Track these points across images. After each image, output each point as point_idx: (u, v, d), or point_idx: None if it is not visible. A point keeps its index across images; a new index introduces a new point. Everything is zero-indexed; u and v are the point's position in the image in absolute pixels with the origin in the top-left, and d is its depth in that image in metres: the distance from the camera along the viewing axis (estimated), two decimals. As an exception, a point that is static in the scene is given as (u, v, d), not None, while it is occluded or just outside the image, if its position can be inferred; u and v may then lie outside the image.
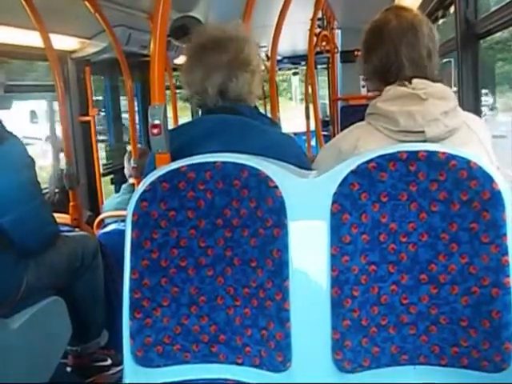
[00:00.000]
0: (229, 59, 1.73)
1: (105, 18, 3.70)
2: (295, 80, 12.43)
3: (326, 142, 2.08)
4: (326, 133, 6.30)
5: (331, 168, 1.41)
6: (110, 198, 4.51)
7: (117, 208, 3.85)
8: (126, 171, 4.38)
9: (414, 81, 1.62)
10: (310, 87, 5.59)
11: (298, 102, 13.02)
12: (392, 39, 1.67)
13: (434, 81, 1.65)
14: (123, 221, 3.16)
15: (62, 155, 4.03)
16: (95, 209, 4.42)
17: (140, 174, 3.98)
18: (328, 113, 8.54)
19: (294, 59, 9.19)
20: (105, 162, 5.40)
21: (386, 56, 1.68)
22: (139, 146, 4.55)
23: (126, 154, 4.43)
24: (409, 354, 1.38)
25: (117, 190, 5.06)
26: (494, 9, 2.65)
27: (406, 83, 1.62)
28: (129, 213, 1.46)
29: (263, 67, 1.92)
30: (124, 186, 4.31)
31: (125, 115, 5.47)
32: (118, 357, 2.93)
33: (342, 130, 1.87)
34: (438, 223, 1.34)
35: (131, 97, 4.29)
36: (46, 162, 5.43)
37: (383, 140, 1.58)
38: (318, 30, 5.55)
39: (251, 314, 1.43)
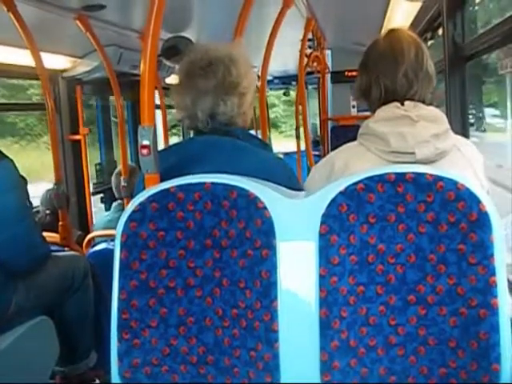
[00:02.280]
0: (215, 84, 1.74)
1: (96, 37, 3.72)
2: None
3: (317, 162, 2.09)
4: (316, 153, 6.33)
5: (322, 188, 1.42)
6: (99, 216, 4.50)
7: (107, 227, 3.84)
8: (115, 189, 4.36)
9: (406, 103, 1.64)
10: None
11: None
12: (371, 66, 1.71)
13: (426, 103, 1.67)
14: (113, 240, 3.16)
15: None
16: (85, 228, 4.40)
17: (130, 192, 3.98)
18: (318, 133, 8.59)
19: (285, 79, 9.23)
20: (95, 181, 5.39)
21: (367, 82, 1.71)
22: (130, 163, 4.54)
23: (115, 172, 4.42)
24: (397, 375, 1.38)
25: (107, 209, 5.05)
26: (481, 31, 2.69)
27: (399, 105, 1.64)
28: (118, 233, 1.46)
29: (256, 84, 1.91)
30: (114, 204, 4.30)
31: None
32: (107, 378, 2.90)
33: (332, 150, 1.88)
34: (425, 244, 1.35)
35: (122, 116, 4.30)
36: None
37: (374, 160, 1.59)
38: (308, 51, 5.58)
39: (239, 335, 1.42)
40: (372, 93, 1.72)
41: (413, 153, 1.54)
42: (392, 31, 1.77)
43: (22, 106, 4.62)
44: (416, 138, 1.55)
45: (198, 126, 1.77)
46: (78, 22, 3.52)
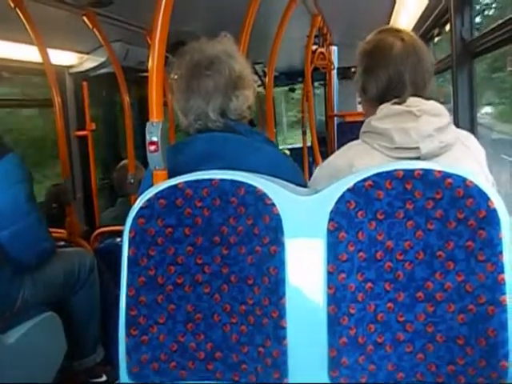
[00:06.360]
0: (224, 82, 1.73)
1: (103, 33, 3.71)
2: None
3: (323, 158, 2.08)
4: (323, 149, 6.31)
5: (327, 186, 1.42)
6: (105, 212, 4.50)
7: (112, 223, 3.85)
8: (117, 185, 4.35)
9: (408, 99, 1.64)
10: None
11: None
12: (396, 63, 1.68)
13: (427, 98, 1.67)
14: (119, 236, 3.16)
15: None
16: (91, 223, 4.41)
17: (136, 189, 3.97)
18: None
19: (291, 75, 9.20)
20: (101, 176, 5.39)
21: (388, 79, 1.69)
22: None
23: (117, 168, 4.40)
24: (405, 371, 1.38)
25: (112, 205, 5.04)
26: (489, 28, 2.68)
27: (400, 101, 1.63)
28: (126, 229, 1.46)
29: (259, 82, 1.91)
30: (119, 200, 4.31)
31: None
32: (114, 373, 2.91)
33: (338, 146, 1.87)
34: (434, 241, 1.35)
35: (128, 112, 4.29)
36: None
37: (379, 158, 1.58)
38: (314, 47, 5.55)
39: (248, 332, 1.43)
40: (393, 90, 1.70)
41: (417, 148, 1.54)
42: (384, 30, 1.76)
43: (29, 102, 4.62)
44: (419, 132, 1.54)
45: (208, 125, 1.75)
46: (84, 17, 3.52)
